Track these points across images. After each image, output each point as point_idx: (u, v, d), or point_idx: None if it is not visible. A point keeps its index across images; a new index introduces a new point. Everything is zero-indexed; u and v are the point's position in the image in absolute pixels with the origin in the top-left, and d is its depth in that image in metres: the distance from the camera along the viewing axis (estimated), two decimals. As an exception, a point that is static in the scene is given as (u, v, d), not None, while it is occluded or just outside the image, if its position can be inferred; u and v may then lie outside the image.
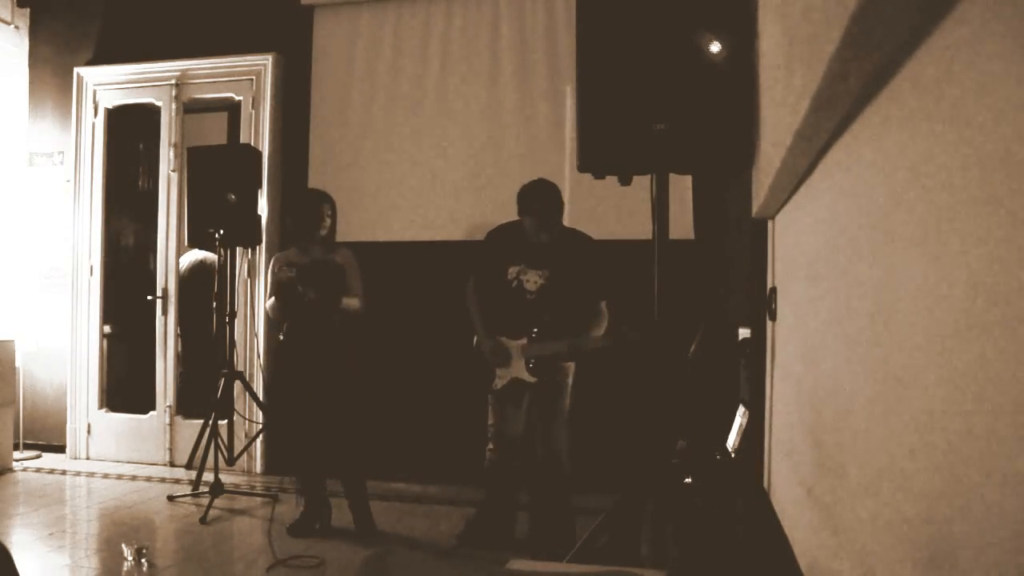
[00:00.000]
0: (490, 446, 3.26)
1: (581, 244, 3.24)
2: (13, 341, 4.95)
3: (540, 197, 3.12)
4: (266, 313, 3.63)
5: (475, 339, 3.30)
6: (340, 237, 3.72)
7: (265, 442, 4.77)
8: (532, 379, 3.14)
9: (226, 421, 4.26)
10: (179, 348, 5.20)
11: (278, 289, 3.42)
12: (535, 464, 3.21)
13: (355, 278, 3.52)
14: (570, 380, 3.25)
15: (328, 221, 3.52)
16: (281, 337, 3.56)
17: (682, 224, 4.06)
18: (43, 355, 5.23)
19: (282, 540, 3.39)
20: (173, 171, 5.05)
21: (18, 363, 5.02)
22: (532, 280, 3.16)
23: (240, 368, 4.52)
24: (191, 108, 5.17)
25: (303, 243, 3.54)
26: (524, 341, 3.15)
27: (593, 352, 3.15)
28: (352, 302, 3.48)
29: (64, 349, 5.18)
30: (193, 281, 5.27)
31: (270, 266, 3.62)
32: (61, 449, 5.19)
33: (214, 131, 5.47)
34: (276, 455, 4.80)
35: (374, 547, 3.31)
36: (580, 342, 3.11)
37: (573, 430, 3.35)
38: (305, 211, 3.54)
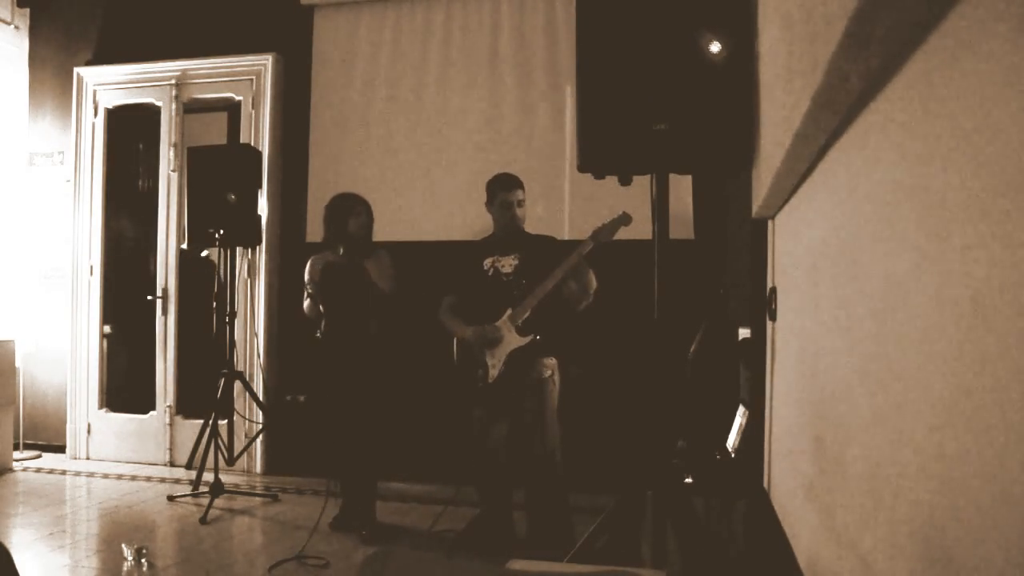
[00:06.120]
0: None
1: (545, 238, 3.39)
2: (13, 341, 4.95)
3: (500, 184, 3.33)
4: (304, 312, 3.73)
5: (455, 347, 3.31)
6: None
7: (265, 442, 4.77)
8: (525, 339, 3.15)
9: (226, 421, 4.27)
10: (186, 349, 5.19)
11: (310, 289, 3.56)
12: (529, 463, 3.21)
13: (383, 278, 3.52)
14: (556, 377, 3.26)
15: (355, 224, 3.53)
16: (319, 335, 3.63)
17: (682, 224, 4.07)
18: (43, 355, 5.24)
19: (285, 540, 3.39)
20: (173, 171, 5.06)
21: (18, 363, 5.02)
22: (507, 264, 3.28)
23: (240, 368, 4.53)
24: (191, 108, 5.17)
25: (337, 245, 3.56)
26: (509, 312, 3.17)
27: (580, 283, 3.09)
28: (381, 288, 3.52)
29: (64, 349, 5.18)
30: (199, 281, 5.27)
31: (307, 267, 3.66)
32: (61, 449, 5.20)
33: (214, 131, 5.47)
34: (276, 455, 4.81)
35: (375, 547, 3.31)
36: (563, 267, 3.06)
37: (573, 430, 3.34)
38: (329, 216, 3.57)
